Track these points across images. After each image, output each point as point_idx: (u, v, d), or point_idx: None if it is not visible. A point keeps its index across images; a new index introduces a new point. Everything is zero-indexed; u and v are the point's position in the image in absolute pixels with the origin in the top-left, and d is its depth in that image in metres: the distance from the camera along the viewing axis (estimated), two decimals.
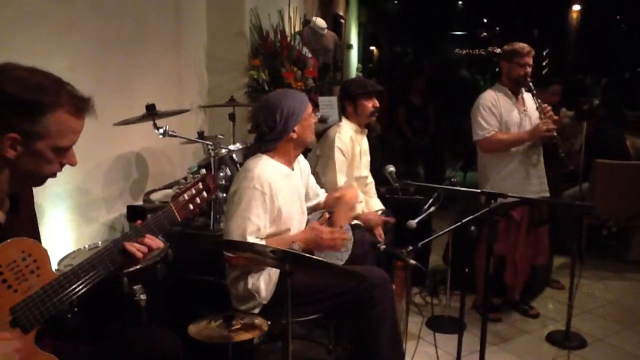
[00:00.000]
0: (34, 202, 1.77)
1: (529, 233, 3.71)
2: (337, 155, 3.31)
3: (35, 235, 1.69)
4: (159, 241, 1.74)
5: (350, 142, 3.37)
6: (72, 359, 1.70)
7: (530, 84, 3.55)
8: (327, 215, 2.65)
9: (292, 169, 2.66)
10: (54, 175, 1.59)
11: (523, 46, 3.55)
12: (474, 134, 3.61)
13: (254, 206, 2.40)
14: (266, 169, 2.49)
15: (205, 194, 1.90)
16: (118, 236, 1.73)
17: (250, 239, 2.37)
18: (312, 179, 2.94)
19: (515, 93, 3.62)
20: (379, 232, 3.30)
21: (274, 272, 2.47)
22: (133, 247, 1.68)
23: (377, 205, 3.61)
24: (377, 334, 2.52)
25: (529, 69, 3.55)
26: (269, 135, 2.56)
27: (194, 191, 1.87)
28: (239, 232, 2.38)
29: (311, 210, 2.87)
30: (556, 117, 3.57)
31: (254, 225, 2.39)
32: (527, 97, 3.67)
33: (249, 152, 2.68)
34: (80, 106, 1.54)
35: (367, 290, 2.48)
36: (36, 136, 1.48)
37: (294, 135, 2.56)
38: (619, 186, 4.63)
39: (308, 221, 2.74)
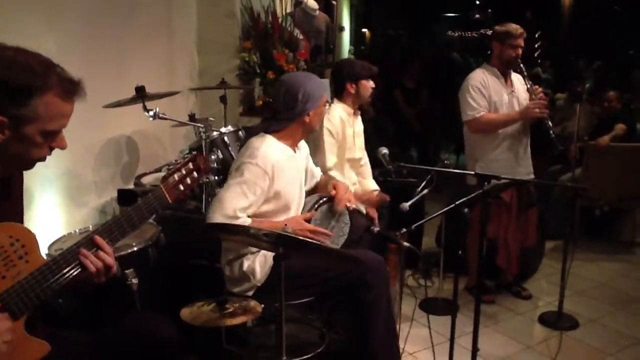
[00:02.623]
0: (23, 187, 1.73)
1: (519, 215, 3.71)
2: (326, 137, 3.28)
3: (20, 221, 1.65)
4: (112, 259, 1.62)
5: (340, 123, 3.34)
6: (65, 346, 1.67)
7: (522, 65, 3.54)
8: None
9: (295, 152, 2.66)
10: (43, 159, 1.55)
11: (516, 27, 3.53)
12: (463, 114, 3.60)
13: (252, 183, 2.40)
14: (272, 149, 2.49)
15: (195, 174, 1.86)
16: (108, 220, 1.69)
17: (240, 213, 2.37)
18: (310, 159, 2.93)
19: (504, 74, 3.61)
20: (373, 212, 3.30)
21: (270, 254, 2.45)
22: (87, 260, 1.57)
23: (372, 185, 3.60)
24: (371, 317, 2.52)
25: (520, 51, 3.53)
26: (284, 114, 2.55)
27: (184, 172, 1.83)
28: (230, 203, 2.37)
29: (308, 192, 2.86)
30: (547, 98, 3.57)
31: (247, 201, 2.39)
32: (515, 78, 3.67)
33: (254, 131, 2.67)
34: (70, 89, 1.50)
35: (362, 274, 2.47)
36: (24, 120, 1.44)
37: (307, 119, 2.56)
38: (611, 168, 4.65)
39: (305, 204, 2.73)
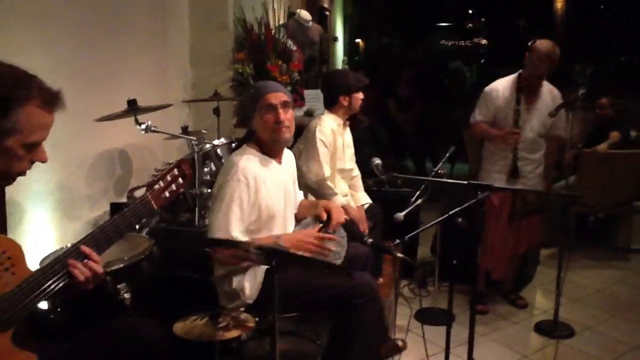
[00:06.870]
0: (5, 200, 1.71)
1: (511, 222, 3.69)
2: (320, 148, 3.29)
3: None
4: (100, 267, 1.61)
5: (331, 134, 3.35)
6: (53, 357, 1.66)
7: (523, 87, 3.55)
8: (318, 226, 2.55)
9: (280, 162, 2.59)
10: (23, 173, 1.53)
11: (547, 46, 3.48)
12: (472, 115, 3.74)
13: (236, 198, 2.35)
14: (250, 161, 2.44)
15: (180, 180, 1.86)
16: (95, 229, 1.67)
17: (235, 233, 2.32)
18: (296, 179, 2.82)
19: (530, 88, 3.60)
20: (364, 226, 3.28)
21: (260, 272, 2.42)
22: (76, 270, 1.56)
23: (364, 199, 3.58)
24: (354, 339, 2.45)
25: (537, 71, 3.50)
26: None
27: (169, 178, 1.83)
28: (223, 226, 2.33)
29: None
30: (519, 133, 3.53)
31: (237, 218, 2.34)
32: (546, 95, 3.64)
33: (238, 145, 2.63)
34: (51, 99, 1.49)
35: (352, 297, 2.40)
36: (6, 132, 1.43)
37: (253, 128, 2.50)
38: (605, 175, 4.65)
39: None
